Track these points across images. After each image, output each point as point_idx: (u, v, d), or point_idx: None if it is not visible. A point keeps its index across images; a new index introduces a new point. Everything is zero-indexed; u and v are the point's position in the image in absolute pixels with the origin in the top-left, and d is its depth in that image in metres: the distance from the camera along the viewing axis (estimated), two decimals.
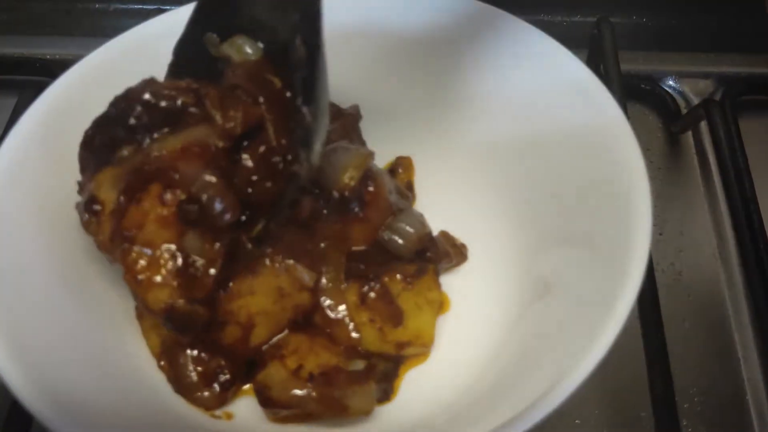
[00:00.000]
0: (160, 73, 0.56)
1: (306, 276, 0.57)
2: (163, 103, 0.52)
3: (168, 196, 0.51)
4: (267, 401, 0.55)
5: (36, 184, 0.58)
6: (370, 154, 0.61)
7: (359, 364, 0.57)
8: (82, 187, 0.55)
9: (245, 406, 0.58)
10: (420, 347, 0.60)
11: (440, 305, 0.62)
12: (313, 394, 0.54)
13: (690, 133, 0.82)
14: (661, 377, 0.57)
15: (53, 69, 0.83)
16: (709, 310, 0.69)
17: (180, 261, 0.52)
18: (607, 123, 0.56)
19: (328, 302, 0.58)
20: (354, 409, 0.54)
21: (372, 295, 0.59)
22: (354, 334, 0.58)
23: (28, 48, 0.89)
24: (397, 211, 0.61)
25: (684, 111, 0.83)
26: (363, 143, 0.64)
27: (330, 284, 0.59)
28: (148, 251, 0.52)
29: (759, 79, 0.85)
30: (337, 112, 0.64)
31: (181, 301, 0.52)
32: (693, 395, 0.64)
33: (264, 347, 0.57)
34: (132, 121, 0.52)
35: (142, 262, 0.52)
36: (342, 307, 0.58)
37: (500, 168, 0.65)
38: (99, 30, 0.94)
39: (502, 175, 0.65)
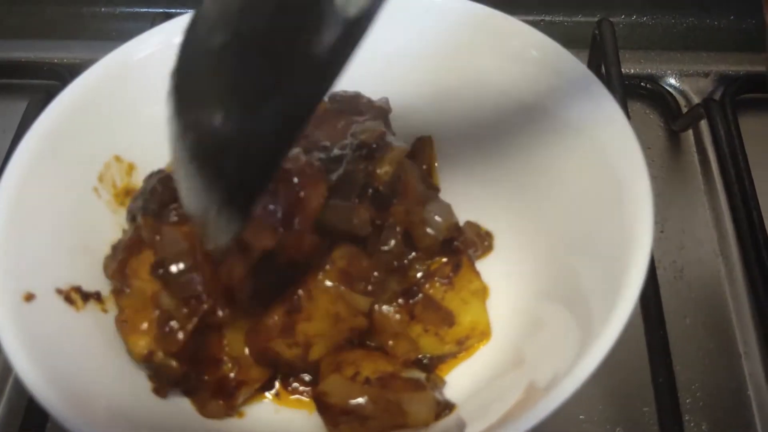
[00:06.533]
0: None
1: (361, 302, 0.57)
2: None
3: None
4: (325, 408, 0.55)
5: (53, 183, 0.59)
6: (405, 150, 0.62)
7: (417, 374, 0.57)
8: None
9: (257, 405, 0.59)
10: (479, 336, 0.61)
11: (485, 291, 0.63)
12: (370, 396, 0.54)
13: (690, 131, 0.82)
14: (663, 373, 0.57)
15: (61, 73, 0.85)
16: (710, 307, 0.70)
17: (160, 314, 0.55)
18: (607, 123, 0.57)
19: (382, 324, 0.59)
20: (413, 416, 0.54)
21: (418, 307, 0.60)
22: (413, 349, 0.59)
23: (36, 52, 0.90)
24: (425, 201, 0.62)
25: (684, 110, 0.84)
26: (393, 134, 0.65)
27: (384, 306, 0.59)
28: (137, 298, 0.56)
29: (759, 78, 0.85)
30: (368, 103, 0.65)
31: (160, 353, 0.55)
32: (695, 390, 0.64)
33: (322, 363, 0.58)
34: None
35: (131, 308, 0.56)
36: (395, 326, 0.59)
37: (512, 164, 0.66)
38: (105, 33, 0.95)
39: (516, 172, 0.66)
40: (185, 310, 0.54)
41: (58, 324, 0.53)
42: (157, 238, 0.55)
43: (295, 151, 0.57)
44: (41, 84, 0.86)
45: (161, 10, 0.91)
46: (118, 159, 0.63)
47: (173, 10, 0.90)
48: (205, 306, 0.54)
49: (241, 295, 0.56)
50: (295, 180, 0.54)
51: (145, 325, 0.55)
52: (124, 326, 0.55)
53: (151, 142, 0.63)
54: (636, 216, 0.51)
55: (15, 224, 0.54)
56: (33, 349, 0.49)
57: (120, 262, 0.57)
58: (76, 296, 0.56)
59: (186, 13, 0.66)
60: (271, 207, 0.53)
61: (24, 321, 0.50)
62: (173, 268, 0.54)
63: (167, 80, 0.63)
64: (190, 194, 0.44)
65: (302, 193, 0.54)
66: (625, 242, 0.50)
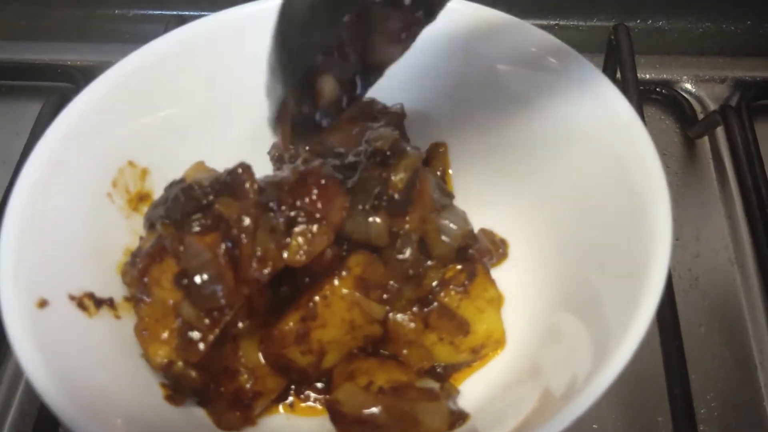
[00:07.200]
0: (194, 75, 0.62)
1: (376, 310, 0.57)
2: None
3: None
4: (338, 416, 0.55)
5: (66, 188, 0.59)
6: (420, 157, 0.62)
7: (431, 383, 0.57)
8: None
9: (268, 413, 0.59)
10: (494, 344, 0.61)
11: (500, 299, 0.63)
12: (384, 406, 0.54)
13: (706, 137, 0.82)
14: (679, 384, 0.57)
15: (75, 75, 0.85)
16: (725, 316, 0.69)
17: (180, 324, 0.55)
18: (625, 131, 0.57)
19: (397, 332, 0.59)
20: (427, 426, 0.54)
21: (433, 316, 0.59)
22: (426, 358, 0.59)
23: (49, 54, 0.91)
24: (440, 208, 0.62)
25: (700, 116, 0.84)
26: (407, 140, 0.65)
27: (398, 314, 0.59)
28: (158, 307, 0.56)
29: None
30: (383, 109, 0.65)
31: (179, 363, 0.55)
32: (710, 401, 0.64)
33: (335, 371, 0.58)
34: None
35: (151, 317, 0.56)
36: (410, 335, 0.59)
37: (527, 171, 0.65)
38: (119, 36, 0.96)
39: (531, 179, 0.65)
40: (207, 321, 0.54)
41: (71, 330, 0.53)
42: (181, 248, 0.55)
43: (316, 163, 0.57)
44: (55, 86, 0.86)
45: (175, 13, 0.91)
46: (131, 164, 0.63)
47: (187, 13, 0.90)
48: (227, 317, 0.54)
49: (259, 303, 0.56)
50: (316, 195, 0.55)
51: (165, 335, 0.55)
52: (144, 335, 0.55)
53: (164, 147, 0.64)
54: (654, 227, 0.50)
55: (28, 230, 0.54)
56: (45, 355, 0.49)
57: (140, 270, 0.56)
58: (89, 302, 0.56)
59: (199, 15, 0.66)
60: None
61: (37, 327, 0.50)
62: (197, 279, 0.54)
63: (181, 83, 0.65)
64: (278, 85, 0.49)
65: (324, 209, 0.55)
66: (643, 253, 0.50)
